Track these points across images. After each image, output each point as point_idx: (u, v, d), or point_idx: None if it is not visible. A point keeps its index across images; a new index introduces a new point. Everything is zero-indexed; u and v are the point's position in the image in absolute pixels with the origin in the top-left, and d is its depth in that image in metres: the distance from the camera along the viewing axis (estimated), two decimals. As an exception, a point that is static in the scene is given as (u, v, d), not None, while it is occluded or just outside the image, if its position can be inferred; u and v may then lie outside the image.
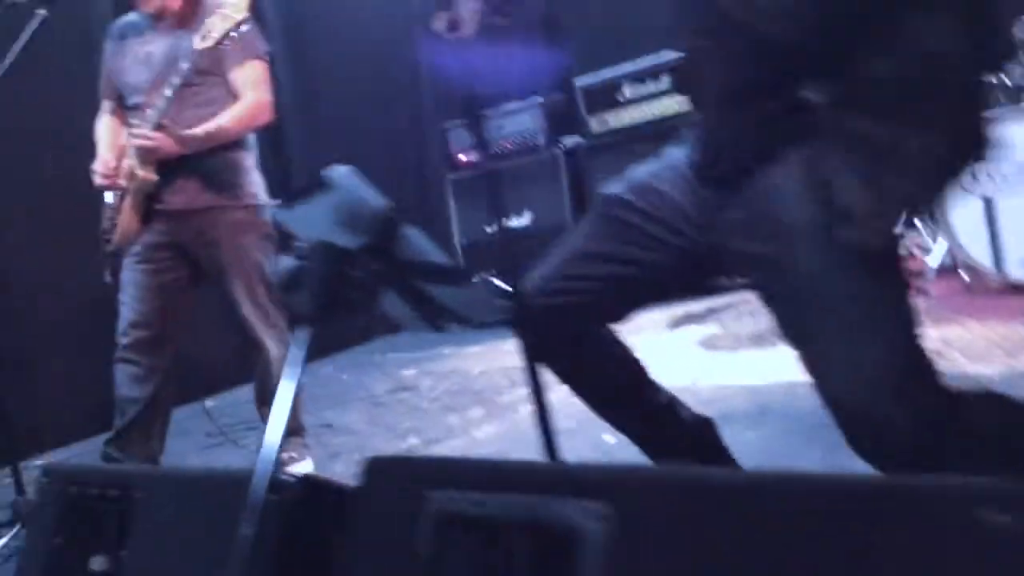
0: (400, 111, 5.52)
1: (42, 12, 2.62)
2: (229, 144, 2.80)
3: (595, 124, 4.73)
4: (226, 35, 2.51)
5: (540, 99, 4.85)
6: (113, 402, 2.78)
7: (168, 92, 2.60)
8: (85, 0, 4.17)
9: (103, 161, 2.78)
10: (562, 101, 4.96)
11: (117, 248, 2.81)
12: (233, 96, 2.78)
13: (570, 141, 4.83)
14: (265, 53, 2.86)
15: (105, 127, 2.93)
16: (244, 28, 2.51)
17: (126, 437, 2.76)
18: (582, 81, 4.78)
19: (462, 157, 5.01)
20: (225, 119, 2.74)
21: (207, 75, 2.73)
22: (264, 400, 2.90)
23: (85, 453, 3.59)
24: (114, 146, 2.85)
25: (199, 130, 2.69)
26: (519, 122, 4.87)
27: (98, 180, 2.77)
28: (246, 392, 3.15)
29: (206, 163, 2.75)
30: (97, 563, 1.54)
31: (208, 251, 2.80)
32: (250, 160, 2.88)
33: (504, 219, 4.77)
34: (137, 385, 2.76)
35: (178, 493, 1.57)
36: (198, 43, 2.54)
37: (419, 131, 5.57)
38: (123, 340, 2.77)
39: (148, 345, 2.77)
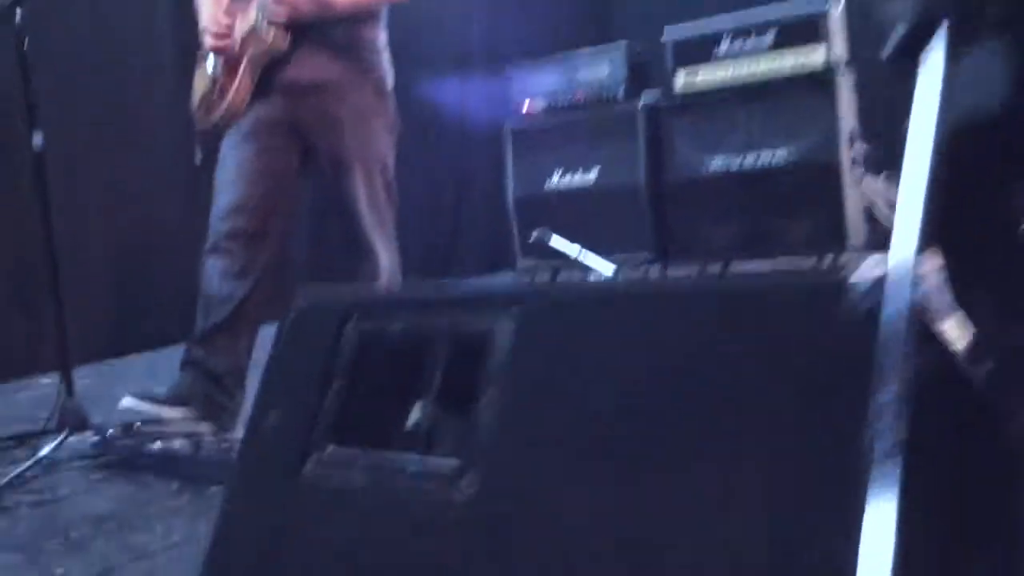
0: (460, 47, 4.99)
1: None
2: (363, 17, 2.46)
3: (681, 80, 4.15)
4: None
5: (625, 46, 4.26)
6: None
7: None
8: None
9: (214, 19, 2.41)
10: (647, 50, 4.37)
11: (220, 122, 2.45)
12: None
13: (650, 96, 4.24)
14: None
15: None
16: None
17: (209, 342, 2.42)
18: (673, 30, 4.19)
19: (525, 105, 4.45)
20: None
21: None
22: None
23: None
24: (222, 3, 2.47)
25: None
26: (596, 70, 4.30)
27: (209, 42, 2.42)
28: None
29: (337, 34, 2.42)
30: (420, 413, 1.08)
31: (328, 134, 2.46)
32: (384, 38, 2.53)
33: (569, 174, 4.27)
34: (229, 281, 2.39)
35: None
36: None
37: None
38: (219, 227, 2.41)
39: (248, 236, 2.41)
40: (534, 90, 4.41)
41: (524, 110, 4.43)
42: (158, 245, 3.76)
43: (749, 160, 3.91)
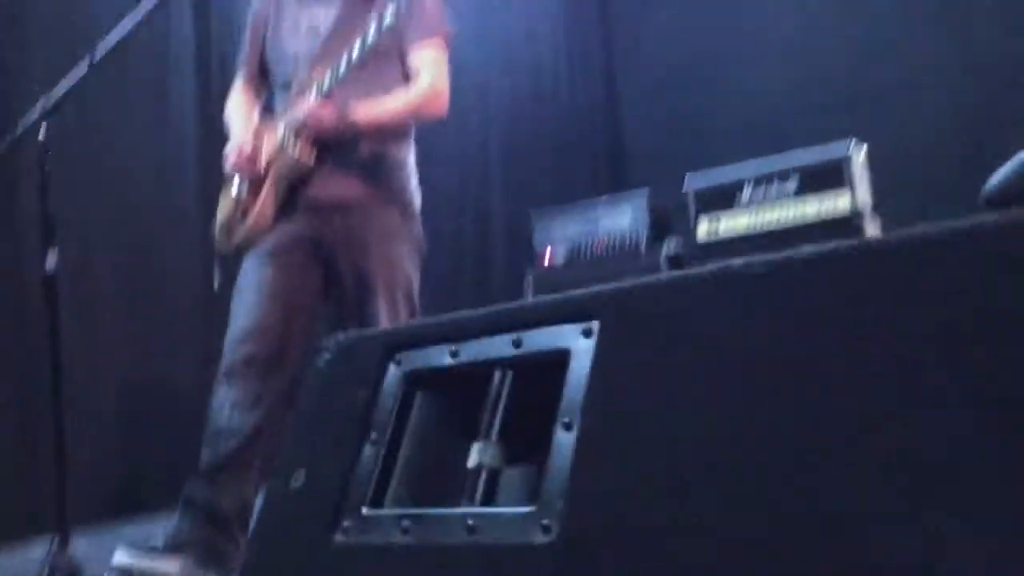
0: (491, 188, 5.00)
1: None
2: (392, 135, 2.42)
3: (704, 228, 4.10)
4: None
5: (647, 193, 4.25)
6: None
7: (343, 66, 2.21)
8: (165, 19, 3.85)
9: (240, 142, 2.37)
10: (667, 198, 4.37)
11: (241, 244, 2.37)
12: (406, 79, 2.42)
13: (673, 245, 4.19)
14: (449, 33, 2.47)
15: (238, 103, 2.55)
16: None
17: (215, 479, 2.22)
18: (694, 178, 4.19)
19: (546, 254, 4.40)
20: (395, 105, 2.38)
21: (381, 54, 2.34)
22: None
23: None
24: (249, 125, 2.46)
25: (366, 111, 2.32)
26: (618, 219, 4.27)
27: (232, 164, 2.37)
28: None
29: (364, 153, 2.37)
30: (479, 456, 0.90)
31: (352, 254, 2.35)
32: (412, 157, 2.48)
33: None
34: (240, 412, 2.22)
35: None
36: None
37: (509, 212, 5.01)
38: (232, 355, 2.26)
39: (263, 362, 2.26)
40: (555, 239, 4.38)
41: (546, 261, 4.38)
42: (167, 403, 3.60)
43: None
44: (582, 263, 4.29)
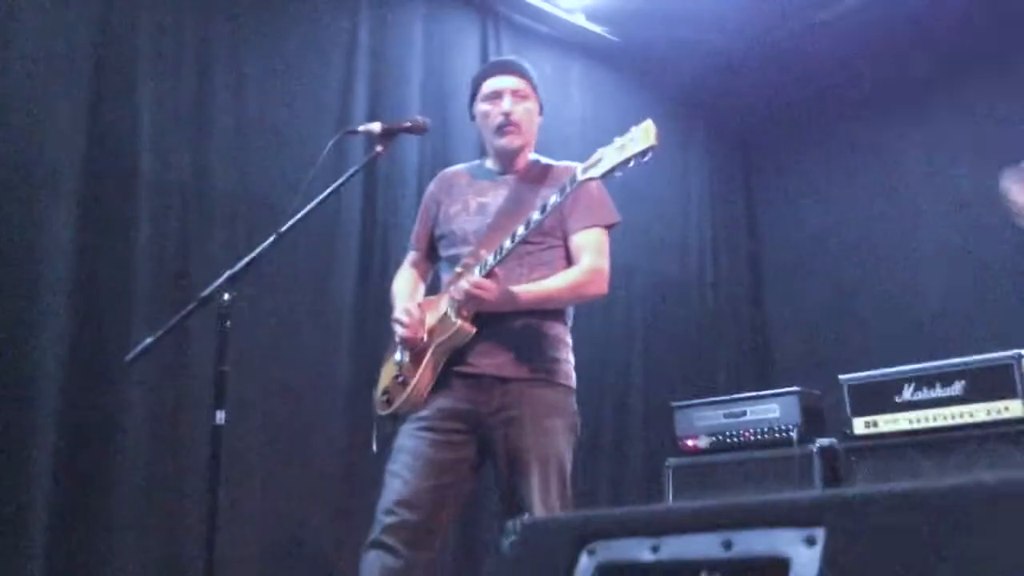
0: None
1: (379, 149, 2.51)
2: (550, 313, 2.48)
3: (860, 427, 3.92)
4: (621, 166, 2.12)
5: (798, 391, 4.12)
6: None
7: (508, 242, 2.30)
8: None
9: (407, 310, 2.48)
10: (820, 397, 4.22)
11: (399, 411, 2.44)
12: (568, 262, 2.51)
13: (825, 441, 4.00)
14: (614, 223, 2.57)
15: (406, 279, 2.71)
16: (643, 160, 2.15)
17: None
18: (850, 377, 4.04)
19: (689, 442, 4.27)
20: (557, 283, 2.44)
21: (546, 235, 2.47)
22: None
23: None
24: (415, 298, 2.61)
25: (528, 289, 2.40)
26: (766, 412, 4.13)
27: (400, 331, 2.46)
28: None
29: (523, 329, 2.44)
30: None
31: (507, 429, 2.38)
32: (568, 335, 2.54)
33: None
34: None
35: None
36: (581, 173, 2.25)
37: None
38: (385, 520, 2.30)
39: (415, 531, 2.29)
40: (698, 429, 4.26)
41: (689, 446, 4.25)
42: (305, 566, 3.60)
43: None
44: (728, 452, 4.14)
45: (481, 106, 2.65)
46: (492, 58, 4.33)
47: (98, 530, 3.02)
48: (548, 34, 4.87)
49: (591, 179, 2.22)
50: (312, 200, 2.47)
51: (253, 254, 2.36)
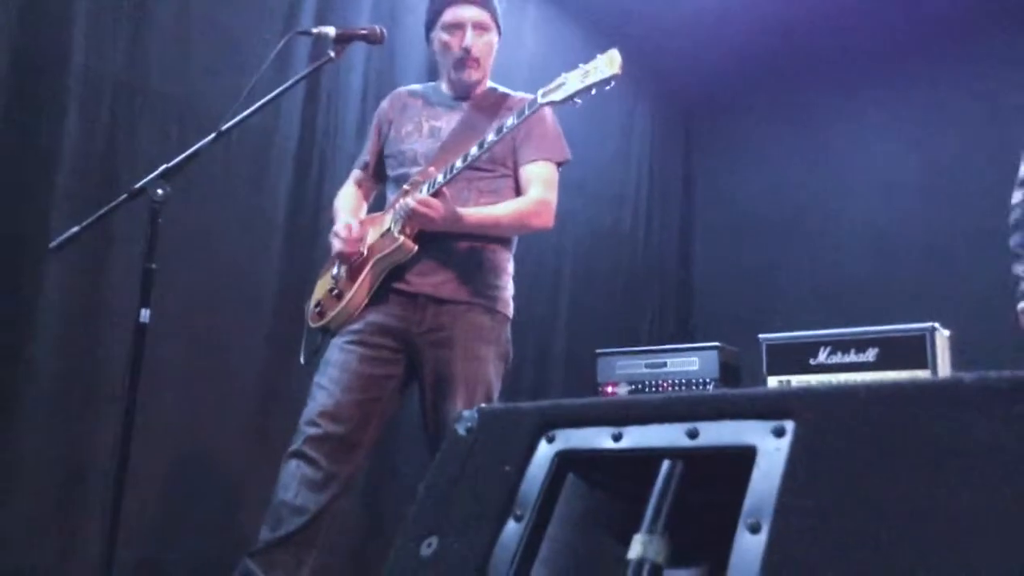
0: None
1: (331, 54, 2.41)
2: (495, 239, 2.46)
3: (775, 384, 4.03)
4: (583, 92, 2.10)
5: (719, 346, 4.21)
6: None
7: (458, 163, 2.27)
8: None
9: (347, 225, 2.43)
10: (739, 354, 4.32)
11: (332, 324, 2.40)
12: (517, 193, 2.49)
13: (741, 398, 4.11)
14: (564, 159, 2.54)
15: (349, 195, 2.66)
16: (605, 88, 2.13)
17: (273, 554, 2.18)
18: (769, 336, 4.14)
19: (609, 388, 4.34)
20: (504, 210, 2.42)
21: (497, 164, 2.45)
22: None
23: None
24: (357, 214, 2.57)
25: (475, 211, 2.37)
26: (687, 364, 4.22)
27: (338, 245, 2.41)
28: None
29: (465, 252, 2.41)
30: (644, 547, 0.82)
31: (437, 351, 2.36)
32: (510, 264, 2.52)
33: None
34: (308, 491, 2.21)
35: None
36: (541, 96, 2.23)
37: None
38: (308, 431, 2.26)
39: (337, 444, 2.25)
40: (619, 378, 4.33)
41: (609, 392, 4.32)
42: (216, 476, 3.54)
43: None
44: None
45: (441, 35, 2.59)
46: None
47: (3, 431, 2.91)
48: (507, -30, 4.78)
49: (552, 103, 2.20)
50: (255, 102, 2.39)
51: (191, 151, 2.28)
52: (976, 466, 0.66)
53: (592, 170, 5.08)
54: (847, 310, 4.64)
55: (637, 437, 0.84)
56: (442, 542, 0.85)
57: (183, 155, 2.28)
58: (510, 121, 2.25)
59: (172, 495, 3.32)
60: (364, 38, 2.47)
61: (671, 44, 5.28)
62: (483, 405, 0.93)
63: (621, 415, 0.86)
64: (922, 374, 3.75)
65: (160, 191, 2.23)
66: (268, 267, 3.70)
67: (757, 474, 0.75)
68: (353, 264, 2.42)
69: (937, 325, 3.78)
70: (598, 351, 4.46)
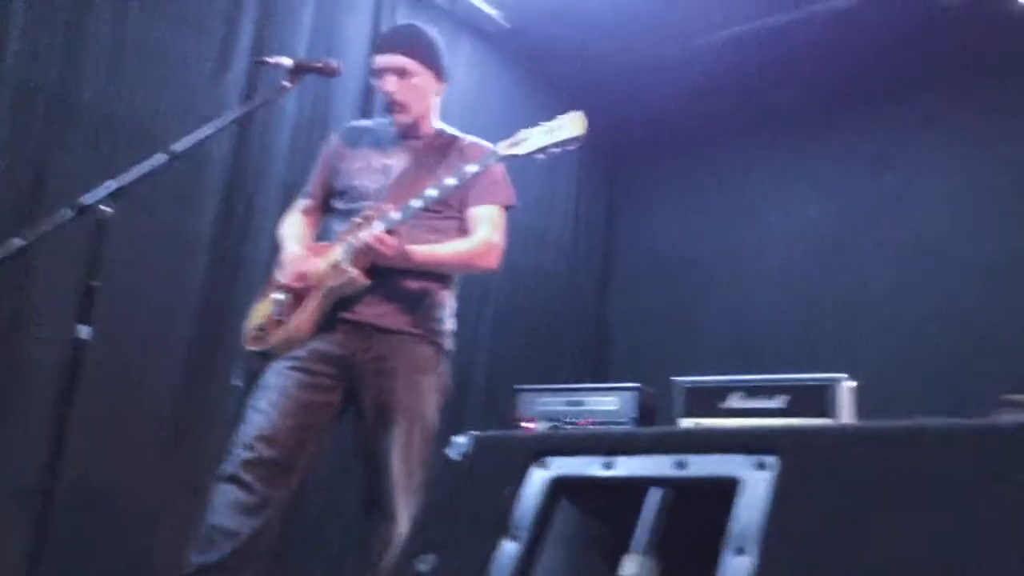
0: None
1: (286, 84, 2.40)
2: (439, 276, 2.54)
3: (687, 425, 4.16)
4: (546, 149, 2.16)
5: (638, 387, 4.33)
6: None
7: (415, 204, 2.34)
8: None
9: (296, 256, 2.47)
10: (654, 395, 4.45)
11: (273, 347, 2.42)
12: (462, 234, 2.57)
13: (655, 439, 4.23)
14: (511, 204, 2.65)
15: (296, 223, 2.68)
16: (568, 149, 2.25)
17: None
18: (682, 380, 4.29)
19: (528, 424, 4.41)
20: (452, 249, 2.50)
21: (446, 206, 2.52)
22: None
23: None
24: (304, 243, 2.60)
25: (423, 250, 2.44)
26: (606, 403, 4.33)
27: (287, 275, 2.45)
28: None
29: (410, 287, 2.48)
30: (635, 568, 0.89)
31: (381, 380, 2.41)
32: (452, 299, 2.60)
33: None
34: (241, 515, 2.20)
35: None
36: (503, 149, 2.34)
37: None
38: (243, 455, 2.25)
39: (271, 468, 2.26)
40: (538, 412, 4.40)
41: (527, 428, 4.38)
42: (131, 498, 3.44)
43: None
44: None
45: (373, 79, 2.68)
46: (385, 18, 4.31)
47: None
48: (443, 8, 4.87)
49: (515, 156, 2.29)
50: (205, 126, 2.38)
51: (143, 171, 2.26)
52: (941, 501, 0.75)
53: (518, 209, 5.18)
54: (757, 356, 4.84)
55: (628, 466, 0.91)
56: (440, 559, 0.90)
57: (134, 175, 2.25)
58: (472, 168, 2.33)
59: (82, 519, 3.22)
60: (320, 71, 2.52)
61: (599, 89, 5.45)
62: (476, 432, 0.98)
63: (613, 446, 0.92)
64: (827, 422, 3.94)
65: (108, 209, 2.21)
66: (190, 289, 3.65)
67: (741, 504, 0.82)
68: (298, 292, 2.45)
69: (845, 376, 3.98)
70: (517, 387, 4.53)
